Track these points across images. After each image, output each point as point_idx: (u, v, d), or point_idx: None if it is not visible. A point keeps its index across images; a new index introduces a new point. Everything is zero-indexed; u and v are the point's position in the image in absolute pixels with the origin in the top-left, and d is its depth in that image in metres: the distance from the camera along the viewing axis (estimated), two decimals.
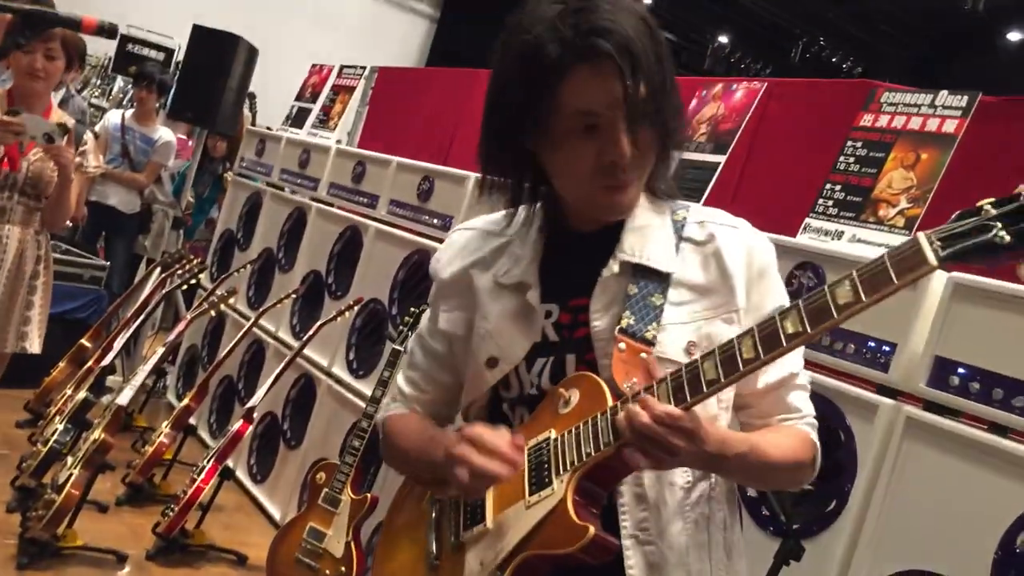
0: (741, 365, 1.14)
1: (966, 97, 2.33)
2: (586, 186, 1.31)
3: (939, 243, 1.05)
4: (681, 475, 1.34)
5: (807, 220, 2.50)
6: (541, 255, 1.40)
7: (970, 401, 1.97)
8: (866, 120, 2.50)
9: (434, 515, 1.46)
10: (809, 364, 2.24)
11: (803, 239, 2.46)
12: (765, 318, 1.15)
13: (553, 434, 1.30)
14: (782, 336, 1.12)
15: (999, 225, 1.02)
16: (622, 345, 1.29)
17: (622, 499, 1.33)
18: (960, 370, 1.99)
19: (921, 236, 1.06)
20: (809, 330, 1.10)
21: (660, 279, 1.33)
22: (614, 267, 1.34)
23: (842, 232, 2.40)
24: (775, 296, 1.37)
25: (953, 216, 1.06)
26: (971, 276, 2.02)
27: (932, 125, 2.35)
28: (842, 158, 2.50)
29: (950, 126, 2.31)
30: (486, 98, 1.35)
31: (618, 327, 1.30)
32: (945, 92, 2.37)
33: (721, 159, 2.82)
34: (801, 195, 2.66)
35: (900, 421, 2.06)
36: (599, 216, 1.36)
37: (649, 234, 1.36)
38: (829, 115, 2.91)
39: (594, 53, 1.22)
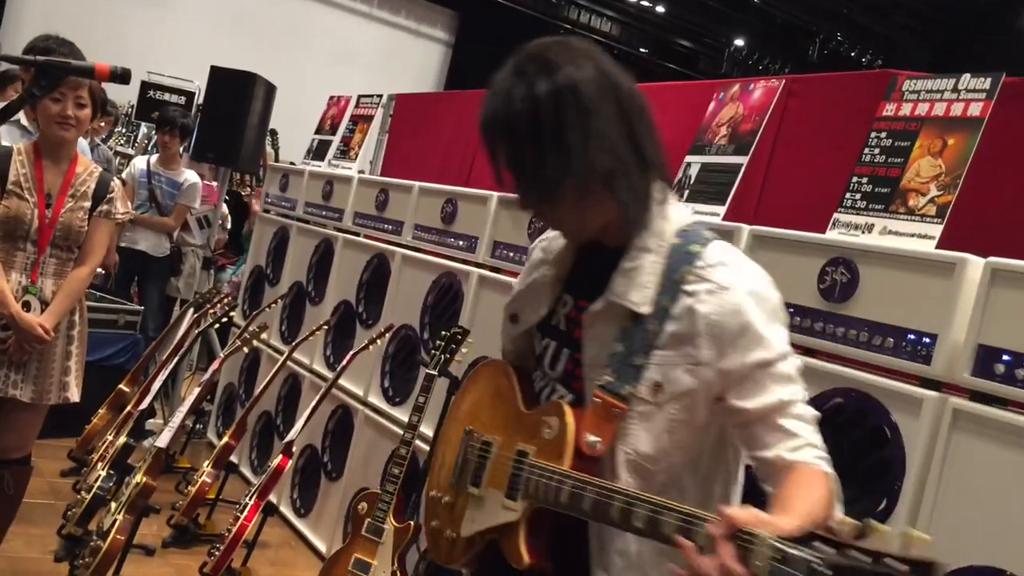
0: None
1: (989, 79, 2.28)
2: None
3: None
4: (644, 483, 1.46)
5: (836, 215, 2.45)
6: (578, 252, 1.59)
7: (1017, 388, 1.91)
8: (888, 109, 2.46)
9: (464, 453, 1.63)
10: (847, 360, 2.22)
11: (833, 235, 2.41)
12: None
13: (532, 453, 1.48)
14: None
15: None
16: (597, 400, 1.44)
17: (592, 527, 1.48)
18: (1005, 357, 1.94)
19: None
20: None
21: (644, 329, 1.43)
22: (599, 305, 1.48)
23: (872, 225, 2.35)
24: (753, 353, 1.41)
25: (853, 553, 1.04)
26: (1009, 260, 1.98)
27: (957, 109, 2.30)
28: (867, 150, 2.46)
29: (975, 109, 2.26)
30: None
31: (599, 384, 1.45)
32: (968, 75, 2.32)
33: (743, 160, 2.79)
34: (828, 190, 2.62)
35: (947, 413, 2.00)
36: None
37: (636, 277, 1.45)
38: (850, 107, 2.87)
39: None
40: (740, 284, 1.42)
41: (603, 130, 1.38)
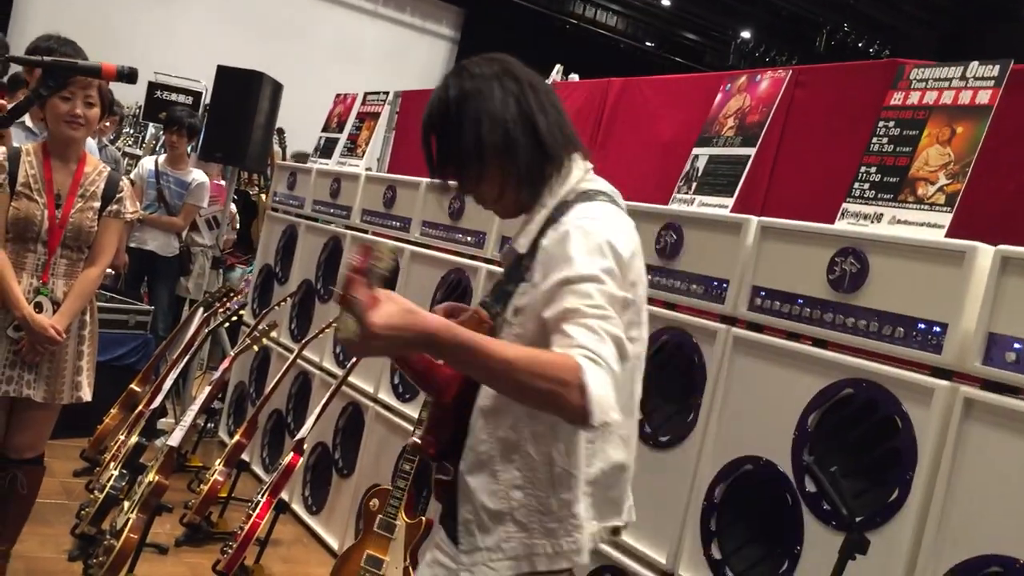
0: None
1: (997, 67, 2.27)
2: None
3: None
4: (484, 399, 1.71)
5: (844, 205, 2.45)
6: None
7: None
8: (896, 98, 2.45)
9: None
10: (857, 351, 2.22)
11: (841, 225, 2.41)
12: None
13: None
14: None
15: None
16: (475, 314, 1.76)
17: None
18: (1016, 345, 1.93)
19: None
20: None
21: (521, 266, 1.73)
22: (504, 250, 1.85)
23: (881, 214, 2.34)
24: (560, 272, 1.59)
25: None
26: (1020, 248, 1.97)
27: (965, 97, 2.29)
28: (875, 139, 2.45)
29: (984, 97, 2.25)
30: None
31: (480, 302, 1.82)
32: (976, 63, 2.31)
33: (751, 151, 2.78)
34: (836, 181, 2.61)
35: (958, 403, 2.00)
36: None
37: (528, 226, 1.75)
38: (858, 97, 2.86)
39: None
40: (574, 220, 1.66)
41: (497, 118, 1.69)
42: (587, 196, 1.73)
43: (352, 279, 1.34)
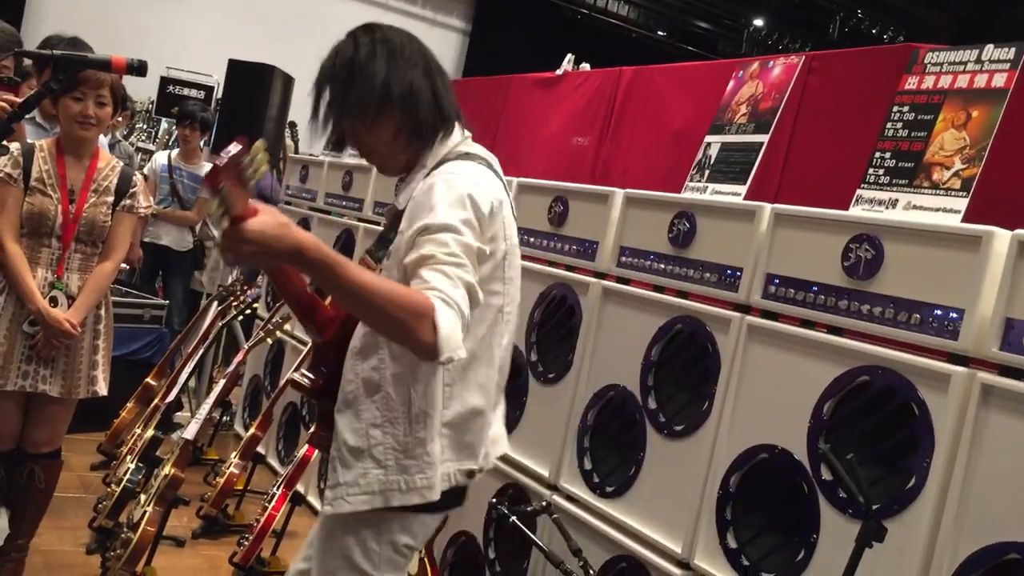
0: None
1: (1013, 49, 2.25)
2: None
3: None
4: (355, 340, 1.85)
5: (859, 191, 2.43)
6: None
7: None
8: (911, 83, 2.42)
9: None
10: (873, 338, 2.20)
11: (856, 211, 2.39)
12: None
13: None
14: None
15: None
16: (362, 261, 1.93)
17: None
18: None
19: None
20: None
21: (399, 218, 1.84)
22: (387, 207, 1.92)
23: (896, 200, 2.32)
24: (422, 220, 1.71)
25: None
26: None
27: (980, 81, 2.26)
28: (889, 124, 2.43)
29: (999, 80, 2.22)
30: None
31: (366, 250, 1.97)
32: (991, 46, 2.29)
33: (764, 138, 2.76)
34: (850, 167, 2.59)
35: (975, 389, 1.98)
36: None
37: (408, 187, 1.90)
38: (871, 82, 2.84)
39: None
40: (441, 174, 1.80)
41: (406, 70, 1.84)
42: (464, 157, 1.89)
43: (227, 170, 1.38)
